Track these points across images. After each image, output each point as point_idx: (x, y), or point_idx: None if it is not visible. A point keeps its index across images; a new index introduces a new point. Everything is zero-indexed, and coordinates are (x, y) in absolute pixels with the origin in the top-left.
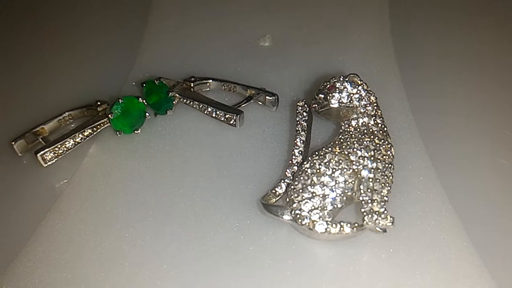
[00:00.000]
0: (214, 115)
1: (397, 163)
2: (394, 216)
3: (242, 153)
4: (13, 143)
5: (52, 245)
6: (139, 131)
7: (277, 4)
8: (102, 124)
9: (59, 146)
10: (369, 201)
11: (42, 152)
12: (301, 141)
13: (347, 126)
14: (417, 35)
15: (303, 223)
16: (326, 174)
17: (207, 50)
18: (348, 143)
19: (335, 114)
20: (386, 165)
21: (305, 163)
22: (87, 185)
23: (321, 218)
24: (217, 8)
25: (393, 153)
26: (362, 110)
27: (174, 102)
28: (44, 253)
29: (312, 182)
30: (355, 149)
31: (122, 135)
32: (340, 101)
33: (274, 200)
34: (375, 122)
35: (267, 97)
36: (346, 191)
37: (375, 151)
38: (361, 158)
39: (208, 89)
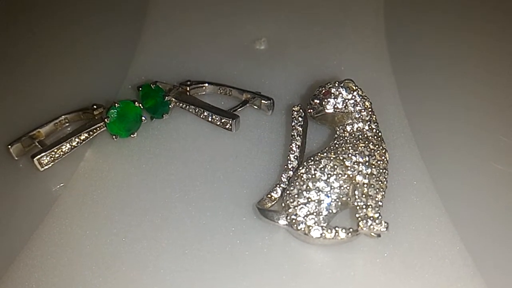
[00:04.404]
0: (210, 119)
1: (392, 168)
2: (388, 221)
3: (237, 158)
4: (9, 146)
5: (49, 249)
6: (135, 135)
7: (273, 7)
8: (98, 128)
9: (55, 150)
10: (364, 206)
11: (38, 156)
12: (297, 146)
13: (342, 131)
14: (412, 39)
15: (299, 228)
16: (321, 180)
17: (203, 53)
18: (343, 148)
19: (330, 119)
20: (381, 170)
21: (300, 168)
22: (84, 189)
23: (316, 223)
24: (212, 11)
25: (388, 158)
26: (357, 116)
27: (170, 106)
28: (41, 258)
29: (308, 187)
30: (350, 155)
31: (118, 139)
32: (335, 106)
33: (269, 204)
34: (370, 127)
35: (262, 101)
36: (341, 196)
37: (370, 156)
38: (356, 163)
39: (204, 93)
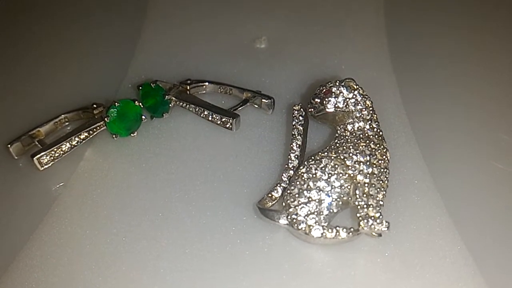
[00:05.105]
0: (210, 119)
1: (393, 167)
2: (389, 220)
3: (238, 157)
4: (9, 146)
5: (49, 249)
6: (135, 134)
7: (273, 5)
8: (98, 127)
9: (55, 149)
10: (365, 206)
11: (38, 155)
12: (297, 145)
13: (343, 130)
14: (413, 38)
15: (299, 227)
16: (322, 179)
17: (203, 52)
18: (344, 147)
19: (331, 118)
20: (382, 169)
21: (301, 167)
22: (83, 188)
23: (317, 223)
24: (212, 10)
25: (389, 157)
26: (357, 115)
27: (170, 105)
28: (41, 257)
29: (308, 187)
30: (351, 154)
31: (118, 138)
32: (336, 105)
33: (270, 204)
34: (371, 126)
35: (263, 100)
36: (342, 195)
37: (371, 156)
38: (356, 163)
39: (204, 91)
